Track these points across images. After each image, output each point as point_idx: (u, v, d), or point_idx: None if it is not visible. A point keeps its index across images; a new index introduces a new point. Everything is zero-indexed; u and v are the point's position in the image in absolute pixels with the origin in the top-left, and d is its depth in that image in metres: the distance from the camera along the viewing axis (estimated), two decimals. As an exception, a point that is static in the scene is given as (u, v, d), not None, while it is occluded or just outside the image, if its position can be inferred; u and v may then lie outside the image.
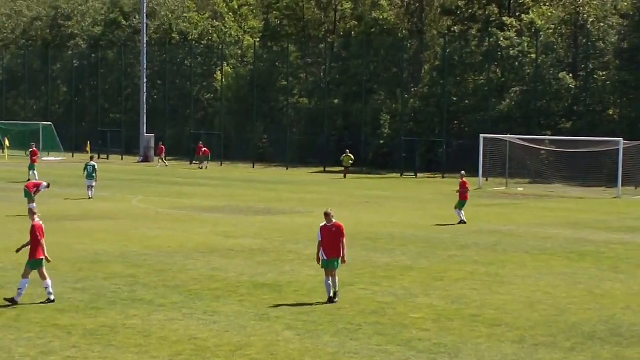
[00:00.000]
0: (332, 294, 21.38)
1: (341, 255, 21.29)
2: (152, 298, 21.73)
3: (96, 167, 47.90)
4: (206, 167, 75.50)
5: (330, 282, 21.43)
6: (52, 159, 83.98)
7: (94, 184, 47.26)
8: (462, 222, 37.61)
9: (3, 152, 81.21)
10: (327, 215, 21.38)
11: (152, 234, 33.57)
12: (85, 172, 47.43)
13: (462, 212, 38.22)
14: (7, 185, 54.96)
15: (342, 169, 68.33)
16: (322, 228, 21.36)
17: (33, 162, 58.41)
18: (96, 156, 54.92)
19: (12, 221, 36.78)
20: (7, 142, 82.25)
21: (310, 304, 21.17)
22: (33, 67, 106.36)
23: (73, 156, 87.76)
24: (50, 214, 39.28)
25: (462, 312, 20.52)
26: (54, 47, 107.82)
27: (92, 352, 16.87)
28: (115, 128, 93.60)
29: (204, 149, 76.94)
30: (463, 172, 40.96)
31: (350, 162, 68.60)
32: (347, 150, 70.30)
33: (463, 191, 38.84)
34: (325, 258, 21.25)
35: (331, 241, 21.23)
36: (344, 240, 21.36)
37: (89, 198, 46.57)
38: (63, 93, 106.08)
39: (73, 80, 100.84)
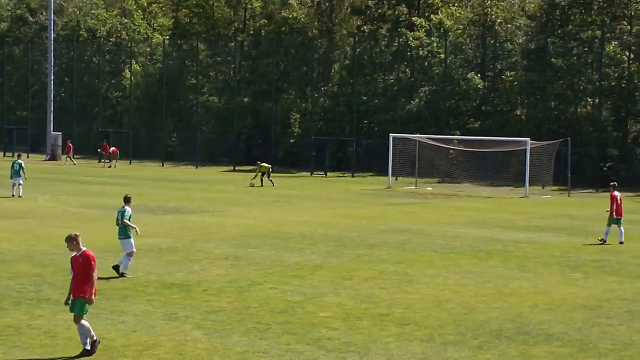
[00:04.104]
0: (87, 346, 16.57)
1: (88, 294, 16.51)
2: (59, 298, 21.37)
3: (23, 164, 47.39)
4: (114, 166, 74.67)
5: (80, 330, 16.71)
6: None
7: (21, 181, 46.63)
8: (620, 242, 32.82)
9: None
10: (69, 241, 16.78)
11: (59, 233, 32.98)
12: (12, 170, 46.91)
13: (622, 228, 32.99)
14: None
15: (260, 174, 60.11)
16: (72, 259, 16.84)
17: None
18: (23, 154, 54.66)
19: None
20: None
21: (219, 304, 21.05)
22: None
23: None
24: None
25: (371, 311, 20.57)
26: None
27: (-3, 353, 16.57)
28: (21, 125, 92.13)
29: (112, 148, 76.13)
30: (614, 183, 35.08)
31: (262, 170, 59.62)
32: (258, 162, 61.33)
33: (615, 207, 33.21)
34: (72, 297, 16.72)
35: (78, 275, 16.58)
36: (95, 274, 16.59)
37: (14, 196, 46.12)
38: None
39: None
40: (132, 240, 24.77)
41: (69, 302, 16.64)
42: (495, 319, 19.90)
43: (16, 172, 46.58)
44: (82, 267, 16.52)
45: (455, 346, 17.55)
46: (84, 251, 16.67)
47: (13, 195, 46.24)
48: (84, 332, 16.52)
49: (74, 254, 16.70)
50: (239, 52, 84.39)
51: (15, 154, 54.05)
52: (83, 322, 16.50)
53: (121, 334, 18.05)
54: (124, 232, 24.78)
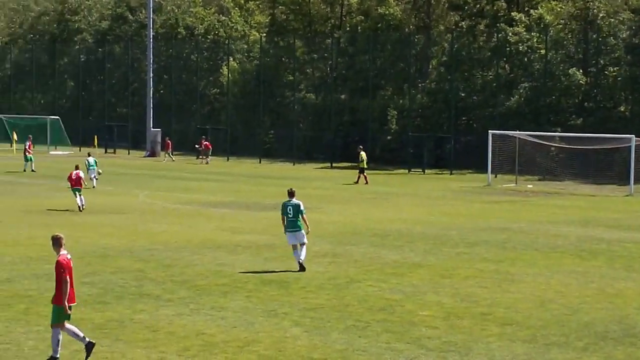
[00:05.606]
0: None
1: (59, 301, 15.82)
2: (160, 293, 21.60)
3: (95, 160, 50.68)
4: (208, 162, 74.94)
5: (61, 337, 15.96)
6: (60, 152, 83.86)
7: (95, 175, 49.17)
8: None
9: (11, 146, 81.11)
10: (56, 241, 16.02)
11: (159, 228, 33.41)
12: (89, 166, 49.05)
13: None
14: (16, 179, 55.15)
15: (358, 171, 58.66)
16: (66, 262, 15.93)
17: (28, 153, 61.83)
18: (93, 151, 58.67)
19: (21, 214, 36.69)
20: (15, 136, 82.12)
21: (318, 301, 20.97)
22: (40, 62, 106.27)
23: (80, 150, 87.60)
24: (58, 207, 39.23)
25: (472, 310, 20.32)
26: (61, 42, 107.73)
27: (101, 346, 16.72)
28: (121, 122, 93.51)
29: (205, 143, 76.46)
30: None
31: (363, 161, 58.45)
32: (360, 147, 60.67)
33: None
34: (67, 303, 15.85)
35: (56, 281, 15.93)
36: (63, 282, 15.71)
37: (92, 187, 47.88)
38: (70, 87, 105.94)
39: (80, 74, 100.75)
40: (303, 231, 25.09)
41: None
42: (600, 320, 19.45)
43: (91, 165, 49.08)
44: (56, 273, 15.82)
45: (559, 348, 17.21)
46: (58, 256, 15.84)
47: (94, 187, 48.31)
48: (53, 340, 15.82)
49: (64, 254, 15.94)
50: (335, 48, 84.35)
51: (87, 152, 56.58)
52: (55, 329, 15.77)
53: (221, 330, 18.11)
54: (297, 224, 25.06)
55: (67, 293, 15.64)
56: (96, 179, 49.05)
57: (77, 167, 40.36)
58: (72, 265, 15.92)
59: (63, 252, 15.86)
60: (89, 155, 51.90)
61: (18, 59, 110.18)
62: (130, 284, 22.56)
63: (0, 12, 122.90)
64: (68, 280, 15.61)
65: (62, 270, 15.62)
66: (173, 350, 16.59)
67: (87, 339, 15.95)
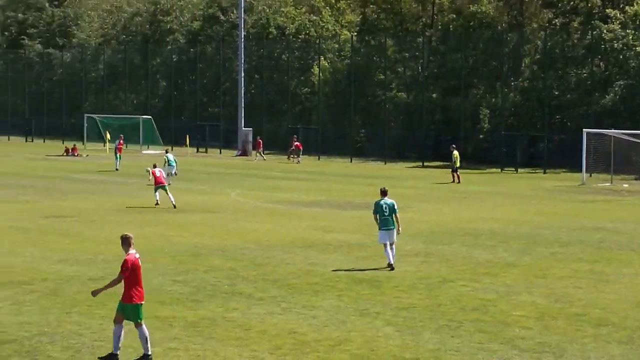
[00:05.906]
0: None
1: (136, 298, 16.12)
2: (252, 291, 21.69)
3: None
4: (298, 162, 75.09)
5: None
6: (152, 152, 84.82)
7: (174, 171, 50.86)
8: None
9: (104, 146, 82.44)
10: (126, 240, 16.22)
11: (250, 227, 33.58)
12: (168, 162, 50.65)
13: None
14: (108, 178, 55.97)
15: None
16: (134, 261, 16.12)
17: (118, 152, 63.89)
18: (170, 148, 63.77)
19: (114, 213, 37.22)
20: (108, 136, 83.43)
21: (410, 300, 20.86)
22: (133, 62, 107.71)
23: (172, 149, 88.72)
24: (149, 206, 39.71)
25: (566, 310, 20.03)
26: (154, 42, 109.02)
27: (193, 344, 16.88)
28: (213, 122, 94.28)
29: (296, 143, 76.65)
30: None
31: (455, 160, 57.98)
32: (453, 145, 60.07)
33: None
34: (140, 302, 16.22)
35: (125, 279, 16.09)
36: (118, 277, 16.10)
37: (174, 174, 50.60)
38: (162, 87, 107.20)
39: (172, 74, 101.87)
40: (395, 230, 25.45)
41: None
42: (700, 322, 19.01)
43: (170, 162, 50.60)
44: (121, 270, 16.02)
45: (657, 349, 16.87)
46: (127, 255, 16.01)
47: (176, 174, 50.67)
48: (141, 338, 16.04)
49: (132, 252, 16.12)
50: (427, 47, 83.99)
51: (165, 150, 60.28)
52: (142, 327, 16.00)
53: (313, 329, 18.12)
54: (391, 222, 25.40)
55: (108, 288, 16.24)
56: (175, 174, 50.63)
57: (155, 166, 41.41)
58: (140, 263, 16.10)
59: (132, 251, 16.06)
60: (167, 152, 53.91)
61: (111, 60, 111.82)
62: (223, 283, 22.72)
63: (93, 13, 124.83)
64: (122, 279, 15.90)
65: (124, 269, 15.84)
66: (265, 349, 16.65)
67: (117, 352, 16.02)
